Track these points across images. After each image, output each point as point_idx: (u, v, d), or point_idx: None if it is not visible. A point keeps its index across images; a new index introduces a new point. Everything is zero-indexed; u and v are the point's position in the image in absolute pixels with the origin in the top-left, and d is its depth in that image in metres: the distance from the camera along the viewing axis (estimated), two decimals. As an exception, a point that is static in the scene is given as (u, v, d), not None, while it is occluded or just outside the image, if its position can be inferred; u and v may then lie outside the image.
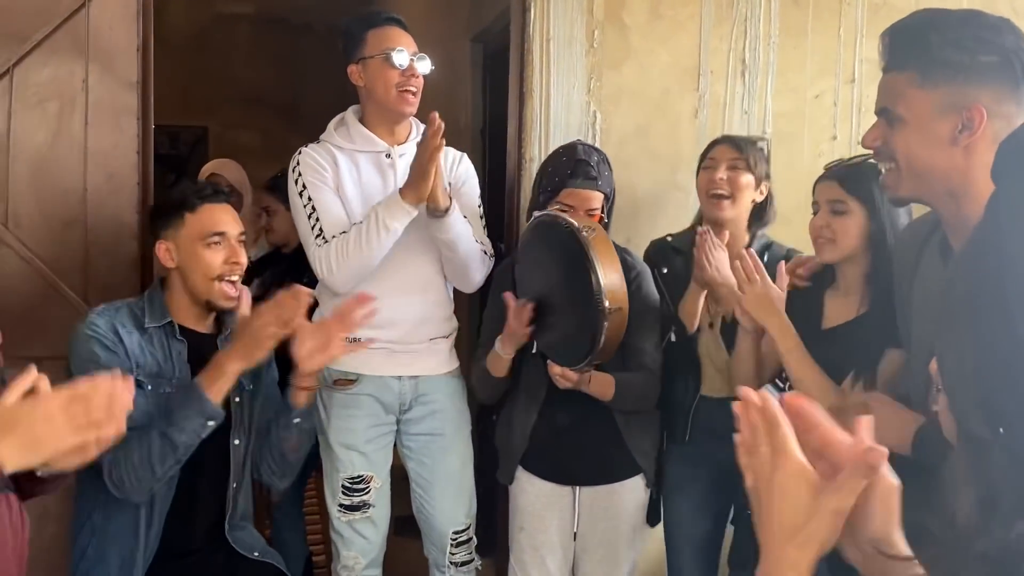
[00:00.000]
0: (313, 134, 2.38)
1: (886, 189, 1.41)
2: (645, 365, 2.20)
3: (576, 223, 1.96)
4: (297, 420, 1.98)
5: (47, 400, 1.21)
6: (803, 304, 1.93)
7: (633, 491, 2.26)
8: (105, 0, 2.33)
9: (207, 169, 3.63)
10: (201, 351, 1.92)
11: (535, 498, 2.27)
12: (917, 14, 1.35)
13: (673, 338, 2.26)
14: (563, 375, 2.05)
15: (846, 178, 1.87)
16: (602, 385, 2.13)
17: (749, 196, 2.23)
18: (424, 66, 2.23)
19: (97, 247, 2.36)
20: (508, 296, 2.14)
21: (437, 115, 2.03)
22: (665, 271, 2.31)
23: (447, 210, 2.15)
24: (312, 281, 2.26)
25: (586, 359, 2.01)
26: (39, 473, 1.37)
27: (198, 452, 1.79)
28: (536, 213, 2.15)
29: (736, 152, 2.22)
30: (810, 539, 0.76)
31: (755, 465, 0.81)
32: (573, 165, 2.17)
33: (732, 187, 2.20)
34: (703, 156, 2.31)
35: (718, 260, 2.10)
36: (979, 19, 1.30)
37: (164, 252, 1.92)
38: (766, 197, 2.27)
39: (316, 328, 1.94)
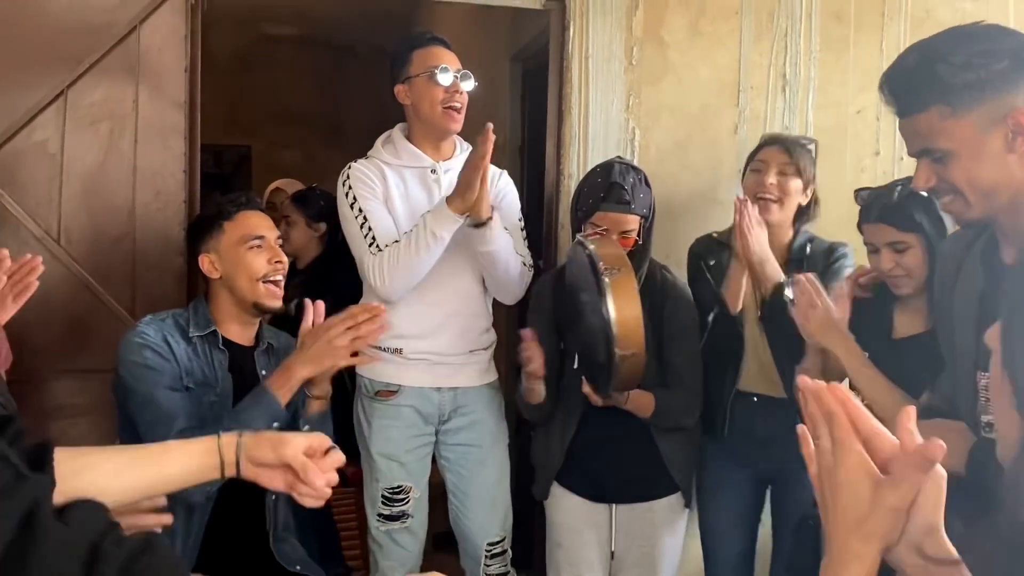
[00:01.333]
0: (354, 153, 2.42)
1: (954, 216, 1.40)
2: (684, 382, 2.19)
3: (601, 263, 1.89)
4: (306, 428, 1.98)
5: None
6: (872, 314, 1.93)
7: (670, 510, 2.24)
8: (155, 23, 2.40)
9: (271, 188, 3.72)
10: (240, 363, 1.96)
11: (571, 515, 2.26)
12: (908, 55, 1.35)
13: (713, 318, 2.24)
14: (590, 395, 2.05)
15: (893, 216, 1.85)
16: (641, 402, 2.12)
17: (796, 200, 2.23)
18: (468, 83, 2.27)
19: (144, 262, 2.42)
20: (525, 333, 2.12)
21: (491, 126, 2.06)
22: (712, 263, 2.30)
23: (488, 221, 2.17)
24: (335, 298, 2.26)
25: (605, 391, 2.01)
26: None
27: None
28: (578, 236, 2.13)
29: (787, 156, 2.21)
30: (872, 533, 0.78)
31: (818, 456, 0.84)
32: (607, 187, 2.14)
33: (781, 192, 2.19)
34: (752, 156, 2.30)
35: (757, 236, 2.09)
36: (971, 35, 1.31)
37: (208, 264, 1.96)
38: (812, 199, 2.27)
39: (318, 330, 1.93)
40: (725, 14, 2.75)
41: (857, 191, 1.99)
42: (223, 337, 1.96)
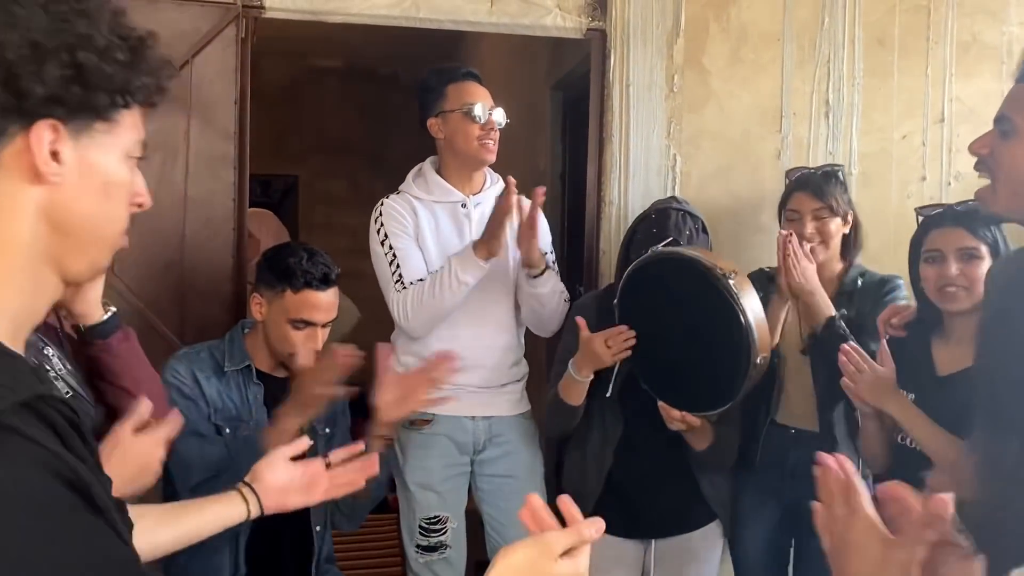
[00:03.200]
0: (399, 181, 2.46)
1: (981, 203, 1.35)
2: (735, 421, 2.15)
3: (718, 266, 1.88)
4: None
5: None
6: (911, 353, 1.89)
7: (708, 539, 2.22)
8: (207, 57, 2.47)
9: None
10: (276, 395, 1.95)
11: (600, 555, 2.21)
12: None
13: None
14: (683, 419, 1.99)
15: (974, 223, 1.82)
16: (704, 434, 2.08)
17: (839, 236, 2.23)
18: (500, 118, 2.30)
19: (194, 289, 2.47)
20: (581, 321, 2.10)
21: (512, 180, 2.10)
22: (761, 294, 2.29)
23: (543, 271, 2.22)
24: None
25: (721, 406, 1.96)
26: (92, 322, 1.49)
27: None
28: (655, 248, 2.04)
29: (818, 202, 2.20)
30: None
31: (832, 526, 0.90)
32: (655, 223, 2.13)
33: (822, 236, 2.20)
34: (784, 203, 2.29)
35: (804, 268, 2.08)
36: None
37: (256, 305, 1.97)
38: (852, 225, 2.26)
39: (400, 380, 1.96)
40: (767, 41, 2.75)
41: (918, 208, 1.96)
42: (258, 370, 1.98)
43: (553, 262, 2.41)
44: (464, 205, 2.34)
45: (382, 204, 2.35)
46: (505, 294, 2.34)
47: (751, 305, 1.86)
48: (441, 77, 2.35)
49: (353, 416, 2.14)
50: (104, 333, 1.48)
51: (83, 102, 0.73)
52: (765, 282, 2.31)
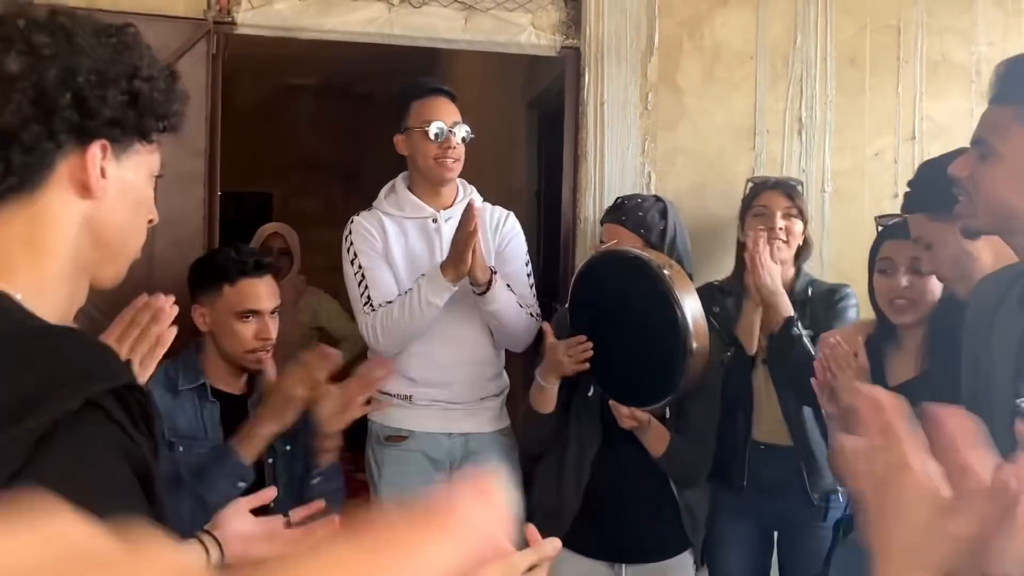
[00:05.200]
0: (374, 199, 2.44)
1: (959, 219, 1.36)
2: (701, 437, 2.13)
3: (653, 259, 1.94)
4: (316, 481, 1.96)
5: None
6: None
7: (682, 569, 2.18)
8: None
9: (268, 229, 3.73)
10: (232, 413, 1.93)
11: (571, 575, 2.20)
12: None
13: (728, 362, 2.23)
14: (632, 415, 2.01)
15: None
16: (659, 436, 2.08)
17: (797, 241, 2.27)
18: (461, 133, 2.28)
19: (163, 309, 2.42)
20: (547, 327, 2.14)
21: (475, 203, 2.10)
22: (717, 310, 2.30)
23: (489, 283, 2.19)
24: None
25: (664, 400, 1.98)
26: None
27: None
28: (599, 248, 2.16)
29: (789, 201, 2.26)
30: (928, 563, 0.67)
31: (871, 474, 0.72)
32: (611, 205, 2.29)
33: (788, 235, 2.24)
34: (750, 201, 2.32)
35: (771, 269, 2.12)
36: None
37: (199, 317, 1.94)
38: (805, 236, 2.31)
39: (338, 392, 1.93)
40: (740, 59, 2.77)
41: (878, 217, 1.97)
42: (213, 388, 1.94)
43: (529, 275, 2.40)
44: (435, 220, 2.33)
45: (352, 222, 2.35)
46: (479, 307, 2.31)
47: (686, 296, 1.90)
48: (407, 93, 2.34)
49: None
50: None
51: (136, 126, 0.84)
52: (717, 295, 2.33)
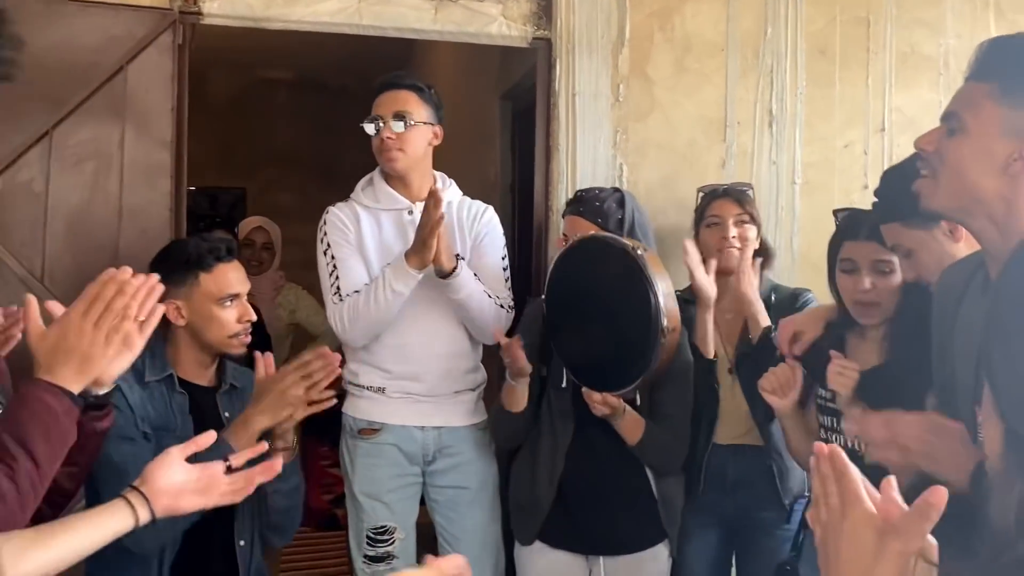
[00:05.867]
0: (349, 194, 2.43)
1: (920, 198, 1.34)
2: (673, 426, 2.14)
3: (627, 241, 1.97)
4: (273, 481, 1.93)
5: (67, 317, 1.24)
6: (825, 353, 1.87)
7: (656, 561, 2.19)
8: (142, 64, 2.40)
9: (252, 223, 3.71)
10: (201, 405, 1.91)
11: (554, 569, 2.20)
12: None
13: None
14: (604, 401, 2.01)
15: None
16: (633, 423, 2.08)
17: (753, 246, 2.28)
18: (398, 125, 2.25)
19: (129, 302, 2.39)
20: (497, 333, 2.17)
21: (439, 190, 2.08)
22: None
23: (453, 271, 2.18)
24: None
25: (636, 381, 1.98)
26: (93, 395, 1.34)
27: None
28: (572, 237, 2.16)
29: (740, 208, 2.28)
30: None
31: (824, 516, 0.87)
32: (572, 197, 2.32)
33: (742, 241, 2.25)
34: (702, 211, 2.34)
35: (751, 277, 2.17)
36: None
37: (173, 311, 1.88)
38: (761, 241, 2.32)
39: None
40: (711, 51, 2.77)
41: (835, 211, 1.97)
42: (181, 379, 1.91)
43: (505, 269, 2.39)
44: (410, 212, 2.31)
45: (327, 213, 2.34)
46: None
47: (658, 276, 1.92)
48: (374, 90, 2.35)
49: (306, 434, 2.09)
50: (100, 404, 1.37)
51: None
52: (680, 303, 2.33)
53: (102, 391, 1.34)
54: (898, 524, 0.80)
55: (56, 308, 1.29)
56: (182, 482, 1.34)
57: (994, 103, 1.23)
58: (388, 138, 2.25)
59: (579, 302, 2.10)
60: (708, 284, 2.17)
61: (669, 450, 2.15)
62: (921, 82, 2.88)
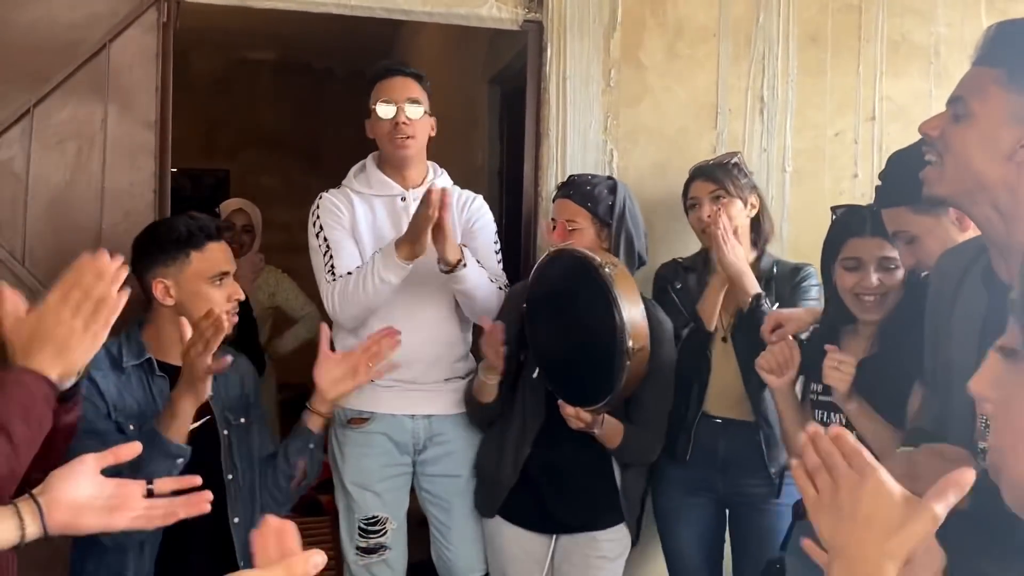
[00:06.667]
0: (334, 178, 2.41)
1: (925, 184, 1.33)
2: (651, 422, 2.16)
3: (597, 258, 1.94)
4: (312, 446, 1.97)
5: (44, 304, 1.21)
6: (819, 346, 1.87)
7: (614, 541, 2.20)
8: (125, 42, 2.35)
9: (233, 204, 3.66)
10: None
11: (510, 547, 2.23)
12: None
13: (686, 336, 2.25)
14: (577, 416, 2.01)
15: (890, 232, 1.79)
16: (612, 431, 2.09)
17: (742, 218, 2.26)
18: (415, 111, 2.25)
19: (112, 285, 2.35)
20: (483, 319, 2.17)
21: (439, 189, 2.04)
22: (679, 286, 2.33)
23: (458, 263, 2.16)
24: None
25: (605, 400, 1.97)
26: (68, 384, 1.29)
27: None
28: (548, 251, 2.14)
29: (713, 184, 2.26)
30: (901, 547, 0.78)
31: (828, 482, 0.85)
32: (562, 182, 2.31)
33: (722, 216, 2.21)
34: (685, 194, 2.34)
35: (733, 246, 2.14)
36: None
37: (162, 291, 1.86)
38: (758, 210, 2.30)
39: (343, 358, 1.98)
40: (703, 36, 2.75)
41: (834, 207, 1.97)
42: (160, 362, 1.89)
43: (497, 252, 2.38)
44: (403, 199, 2.31)
45: (320, 198, 2.33)
46: (444, 286, 2.28)
47: (626, 296, 1.90)
48: (371, 75, 2.34)
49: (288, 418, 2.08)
50: (67, 396, 1.31)
51: None
52: (681, 272, 2.35)
53: (68, 383, 1.28)
54: (927, 498, 0.79)
55: (11, 296, 1.25)
56: (89, 496, 1.19)
57: (1001, 89, 1.21)
58: (403, 123, 2.24)
59: (556, 311, 2.10)
60: (732, 263, 2.14)
61: (646, 448, 2.18)
62: (912, 71, 2.87)
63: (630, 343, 1.87)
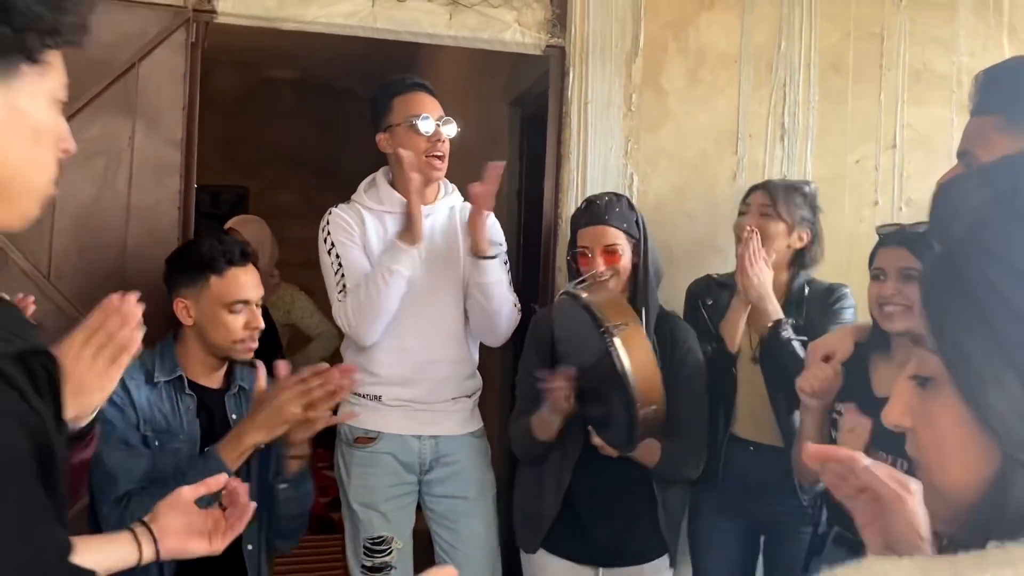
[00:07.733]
0: (351, 195, 2.42)
1: None
2: (690, 432, 2.13)
3: (608, 321, 1.82)
4: (284, 487, 1.92)
5: (68, 343, 1.22)
6: (850, 367, 1.87)
7: (658, 569, 2.18)
8: (154, 61, 2.39)
9: (234, 222, 3.66)
10: (210, 407, 1.90)
11: None
12: (1016, 59, 1.34)
13: (708, 357, 2.22)
14: (602, 448, 2.02)
15: (916, 244, 1.81)
16: (649, 450, 2.07)
17: (781, 242, 2.24)
18: (450, 130, 2.26)
19: (135, 301, 2.37)
20: (544, 374, 2.08)
21: (500, 164, 2.14)
22: (710, 303, 2.31)
23: (491, 256, 2.20)
24: None
25: (627, 450, 1.98)
26: (81, 425, 1.31)
27: None
28: (568, 286, 2.06)
29: (768, 199, 2.25)
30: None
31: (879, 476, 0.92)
32: (584, 209, 2.18)
33: (762, 233, 2.20)
34: (743, 201, 2.35)
35: (759, 270, 2.11)
36: None
37: (183, 310, 1.89)
38: (809, 242, 2.27)
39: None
40: (724, 63, 2.76)
41: (879, 227, 1.97)
42: (190, 381, 1.90)
43: (506, 262, 2.38)
44: None
45: (330, 213, 2.32)
46: (454, 304, 2.29)
47: (634, 360, 1.79)
48: (388, 90, 2.32)
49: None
50: (81, 435, 1.34)
51: (13, 44, 0.70)
52: (714, 288, 2.34)
53: (83, 424, 1.30)
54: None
55: None
56: (191, 524, 1.32)
57: (1001, 134, 1.25)
58: (442, 141, 2.25)
59: (578, 347, 2.02)
60: (753, 287, 2.11)
61: (686, 462, 2.15)
62: (933, 99, 2.87)
63: (640, 409, 1.80)
